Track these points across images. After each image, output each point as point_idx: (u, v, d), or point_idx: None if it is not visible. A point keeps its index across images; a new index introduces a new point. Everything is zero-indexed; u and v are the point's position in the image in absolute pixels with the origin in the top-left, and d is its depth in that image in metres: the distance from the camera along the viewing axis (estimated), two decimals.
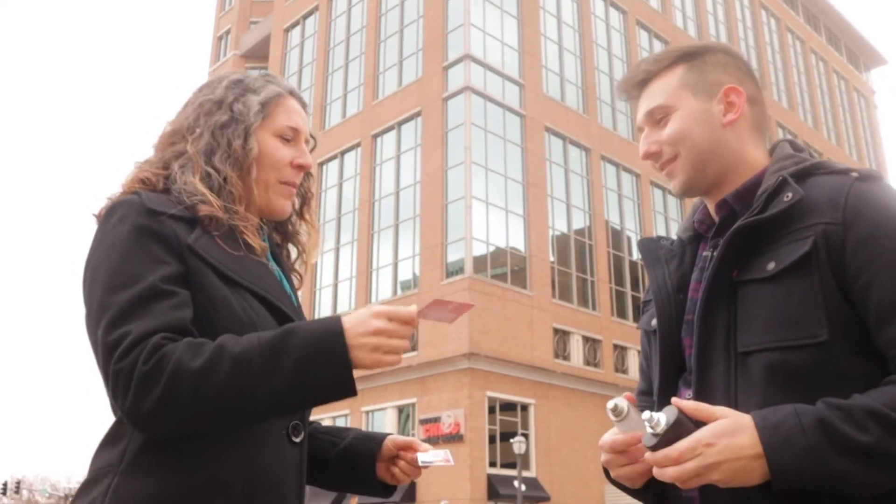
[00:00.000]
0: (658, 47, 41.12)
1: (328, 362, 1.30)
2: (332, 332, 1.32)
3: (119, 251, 1.39)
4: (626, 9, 39.76)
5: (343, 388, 1.32)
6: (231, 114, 1.57)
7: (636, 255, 36.29)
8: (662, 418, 1.25)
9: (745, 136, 1.55)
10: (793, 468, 1.20)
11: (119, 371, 1.28)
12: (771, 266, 1.36)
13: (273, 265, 1.63)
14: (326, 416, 28.49)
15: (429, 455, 1.64)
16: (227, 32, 49.29)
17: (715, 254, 1.47)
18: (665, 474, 1.25)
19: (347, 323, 1.34)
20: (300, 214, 1.76)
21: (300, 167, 1.64)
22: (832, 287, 1.31)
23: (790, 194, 1.39)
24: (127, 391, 1.28)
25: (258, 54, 45.43)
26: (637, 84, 1.61)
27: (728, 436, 1.23)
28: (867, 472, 1.18)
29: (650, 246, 1.66)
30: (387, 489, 1.69)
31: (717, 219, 1.57)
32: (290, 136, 1.63)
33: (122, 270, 1.37)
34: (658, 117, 1.56)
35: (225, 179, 1.53)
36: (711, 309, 1.41)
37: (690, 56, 1.58)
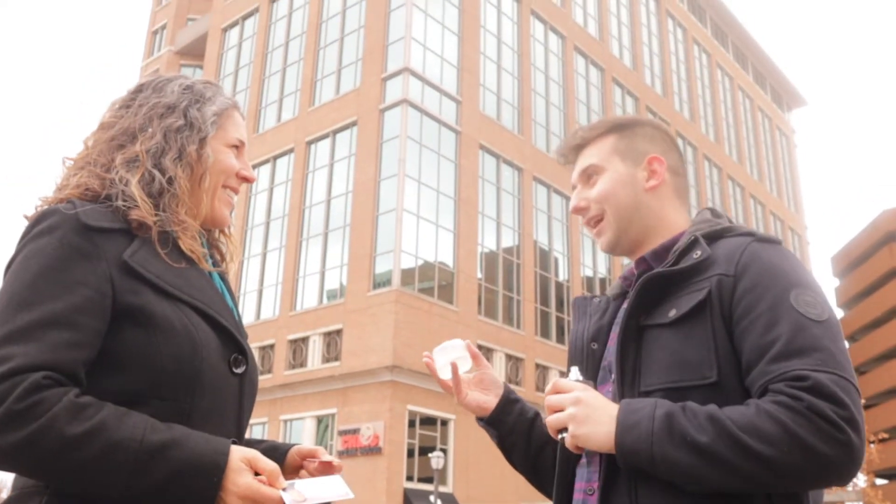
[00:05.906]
0: (594, 73, 42.05)
1: (196, 491, 1.28)
2: (215, 465, 1.30)
3: (38, 264, 1.34)
4: (564, 34, 40.50)
5: None
6: (185, 119, 1.58)
7: (563, 276, 36.85)
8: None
9: (666, 202, 1.72)
10: (632, 448, 1.39)
11: None
12: (672, 313, 1.51)
13: (216, 276, 1.63)
14: None
15: (310, 488, 1.38)
16: (163, 27, 48.30)
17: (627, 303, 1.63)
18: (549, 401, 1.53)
19: (232, 464, 1.31)
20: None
21: (245, 179, 1.69)
22: (723, 332, 1.46)
23: (699, 252, 1.54)
24: None
25: (194, 52, 44.65)
26: (574, 148, 1.79)
27: (601, 399, 1.50)
28: (696, 466, 1.34)
29: (581, 303, 1.82)
30: None
31: (636, 275, 1.72)
32: (238, 147, 1.68)
33: (33, 285, 1.32)
34: (589, 175, 1.74)
35: (170, 181, 1.51)
36: (625, 352, 1.55)
37: (622, 127, 1.76)
